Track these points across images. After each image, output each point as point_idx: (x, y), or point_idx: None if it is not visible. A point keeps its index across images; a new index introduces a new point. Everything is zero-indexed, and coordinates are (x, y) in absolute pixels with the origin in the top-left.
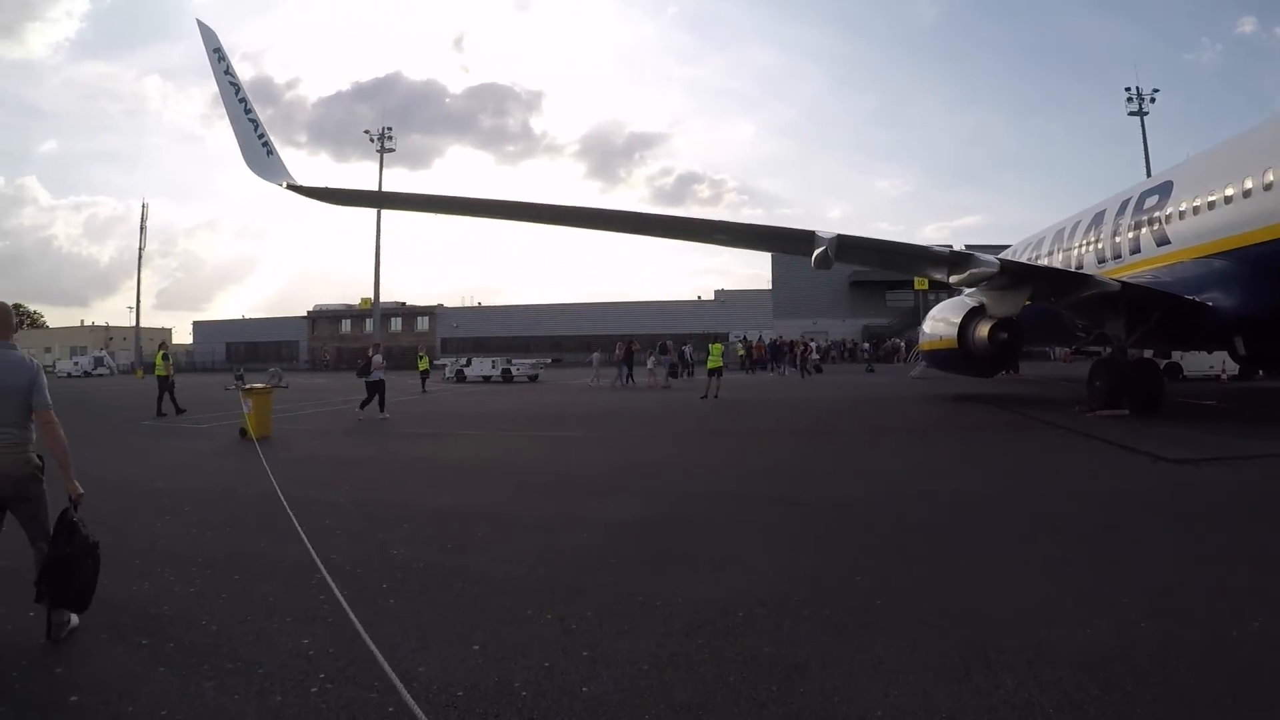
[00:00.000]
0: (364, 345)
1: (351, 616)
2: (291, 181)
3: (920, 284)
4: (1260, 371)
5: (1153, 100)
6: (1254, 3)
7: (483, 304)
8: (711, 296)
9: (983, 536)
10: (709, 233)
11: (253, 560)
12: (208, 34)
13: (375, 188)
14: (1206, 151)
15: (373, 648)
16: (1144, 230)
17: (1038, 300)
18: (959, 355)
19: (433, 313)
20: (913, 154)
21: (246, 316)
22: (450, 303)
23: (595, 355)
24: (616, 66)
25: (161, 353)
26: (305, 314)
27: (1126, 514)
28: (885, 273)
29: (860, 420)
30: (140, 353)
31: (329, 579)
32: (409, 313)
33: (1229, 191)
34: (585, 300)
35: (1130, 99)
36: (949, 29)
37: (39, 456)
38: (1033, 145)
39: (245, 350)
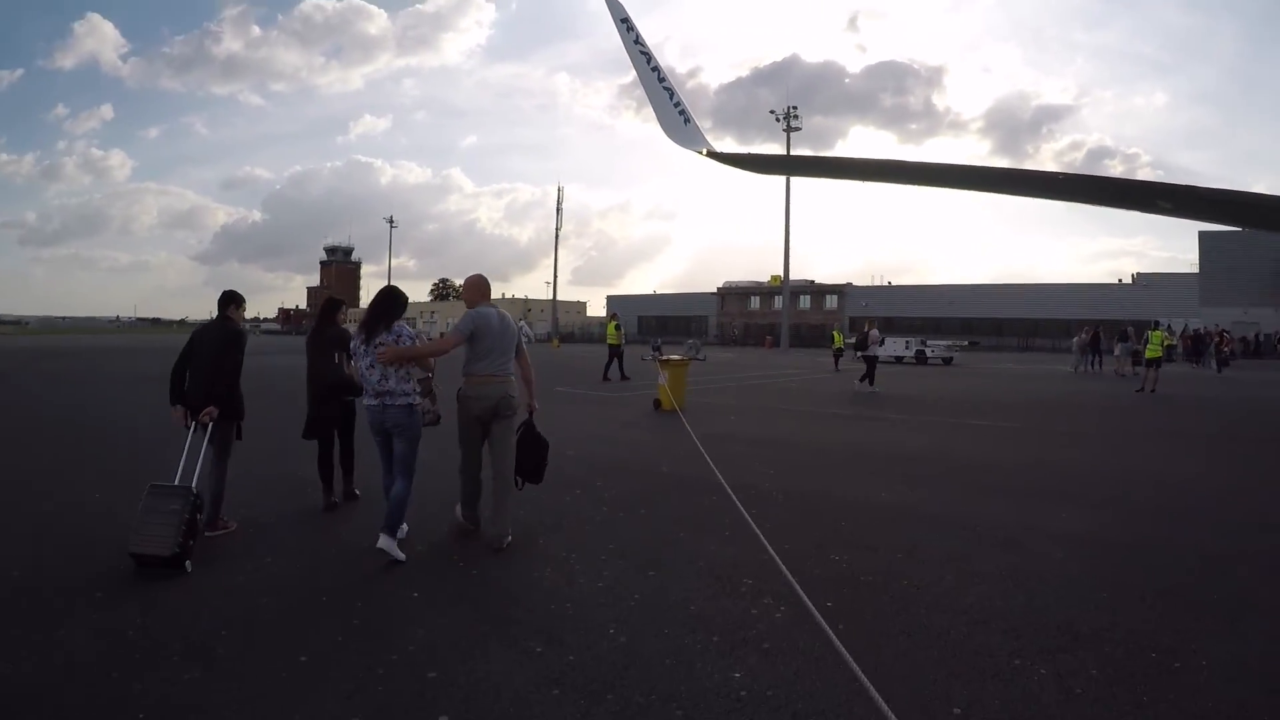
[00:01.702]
0: (772, 321)
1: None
2: (710, 149)
3: None
4: None
5: None
6: None
7: (892, 283)
8: (1126, 279)
9: None
10: (1153, 197)
11: (683, 554)
12: (614, 5)
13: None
14: None
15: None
16: None
17: None
18: None
19: (842, 291)
20: None
21: (657, 292)
22: (858, 281)
23: (1075, 340)
24: (1018, 36)
25: (614, 323)
26: (715, 290)
27: None
28: None
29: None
30: (556, 324)
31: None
32: (818, 290)
33: None
34: (994, 281)
35: None
36: None
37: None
38: None
39: (656, 324)
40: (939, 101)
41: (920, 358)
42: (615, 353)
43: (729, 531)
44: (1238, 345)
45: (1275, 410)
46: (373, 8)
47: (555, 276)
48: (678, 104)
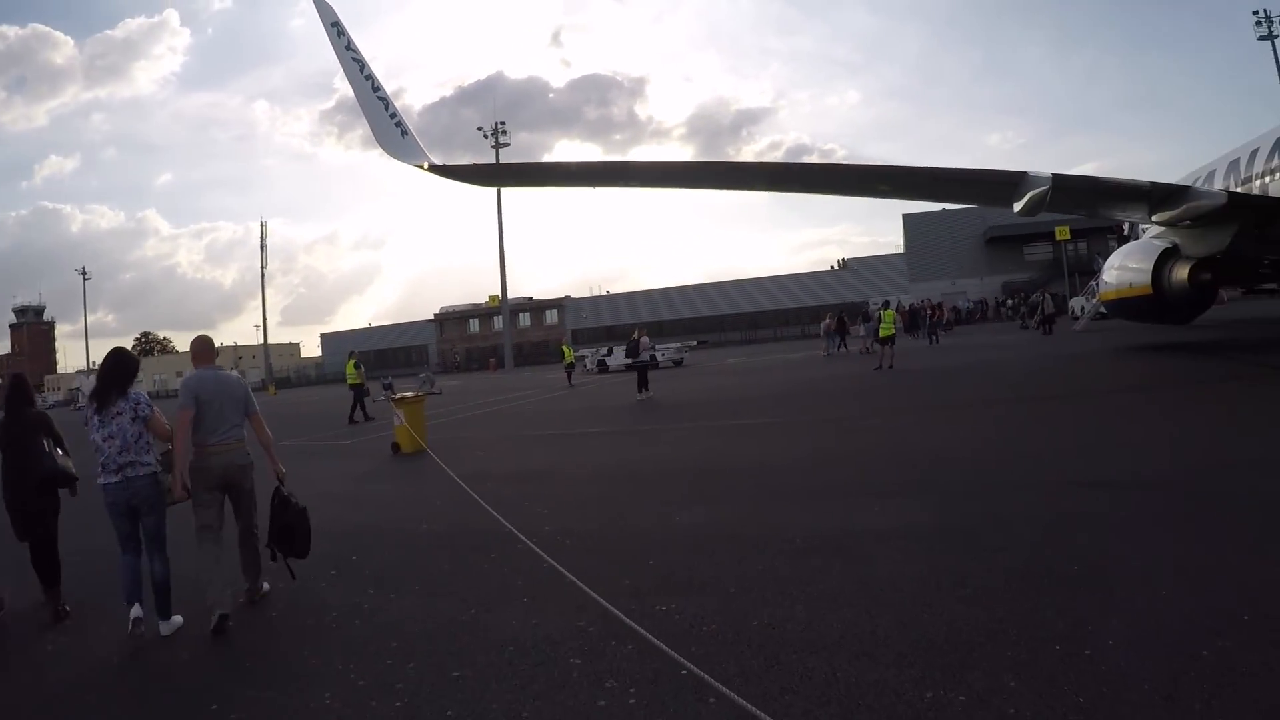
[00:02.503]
0: (494, 343)
1: None
2: (433, 163)
3: (1062, 234)
4: None
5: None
6: None
7: (610, 291)
8: (825, 268)
9: None
10: (874, 181)
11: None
12: (323, 8)
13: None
14: None
15: None
16: None
17: (1245, 234)
18: (1153, 302)
19: (561, 305)
20: (1023, 105)
21: (372, 325)
22: (576, 293)
23: (823, 325)
24: (718, 45)
25: (352, 361)
26: (432, 317)
27: None
28: (1022, 227)
29: (1067, 383)
30: (270, 370)
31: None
32: (537, 307)
33: None
34: (710, 280)
35: (1259, 22)
36: None
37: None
38: (1150, 83)
39: (375, 358)
40: (641, 111)
41: (651, 362)
42: (359, 393)
43: (527, 597)
44: (950, 314)
45: (1001, 370)
46: (59, 34)
47: (264, 318)
48: (394, 115)
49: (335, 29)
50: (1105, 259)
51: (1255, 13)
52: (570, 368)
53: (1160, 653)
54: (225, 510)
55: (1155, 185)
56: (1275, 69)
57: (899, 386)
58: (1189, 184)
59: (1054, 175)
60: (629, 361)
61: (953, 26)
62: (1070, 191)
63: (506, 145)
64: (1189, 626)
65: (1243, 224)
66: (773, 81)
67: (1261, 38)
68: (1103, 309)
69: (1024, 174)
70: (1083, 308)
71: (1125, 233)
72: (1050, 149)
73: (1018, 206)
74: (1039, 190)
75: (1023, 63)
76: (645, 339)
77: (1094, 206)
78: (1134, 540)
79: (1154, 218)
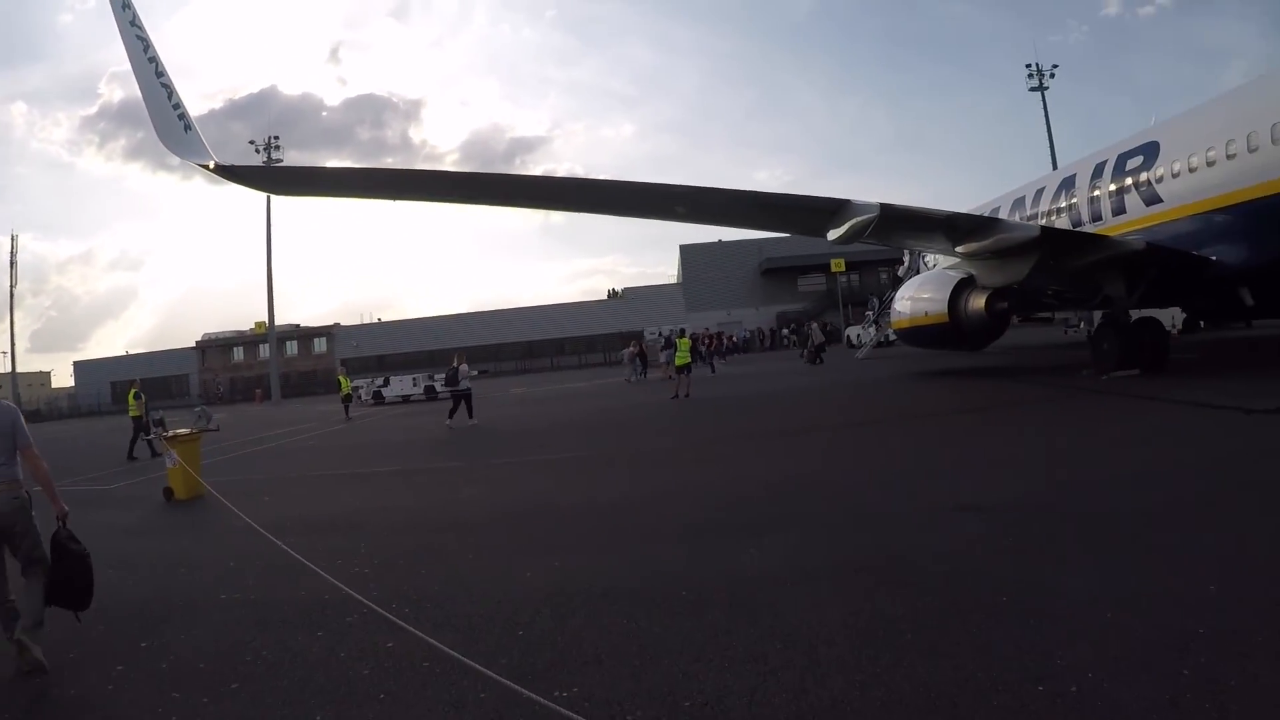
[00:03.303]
0: (260, 373)
1: None
2: (219, 162)
3: (837, 266)
4: (1202, 323)
5: (1052, 75)
6: None
7: (381, 319)
8: (597, 297)
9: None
10: (677, 203)
11: None
12: None
13: (265, 201)
14: (1191, 112)
15: None
16: (1130, 191)
17: (1042, 266)
18: (949, 330)
19: (330, 333)
20: (793, 145)
21: (129, 352)
22: (345, 320)
23: (626, 353)
24: (497, 71)
25: (134, 391)
26: (194, 344)
27: None
28: (798, 259)
29: (888, 408)
30: (19, 399)
31: None
32: (305, 334)
33: (1230, 149)
34: (482, 309)
35: (1031, 75)
36: (824, 19)
37: (27, 492)
38: (914, 129)
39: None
40: (416, 134)
41: (430, 393)
42: (138, 426)
43: (384, 693)
44: (728, 343)
45: (807, 398)
46: None
47: (13, 344)
48: (177, 107)
49: (120, 1)
50: (886, 291)
51: (1028, 65)
52: (348, 399)
53: (1145, 677)
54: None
55: (973, 217)
56: (1045, 118)
57: (705, 416)
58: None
59: (882, 205)
60: (449, 389)
61: (731, 63)
62: (894, 221)
63: (279, 161)
64: (1156, 647)
65: (1043, 256)
66: (550, 111)
67: (1033, 89)
68: (888, 336)
69: (846, 202)
70: (858, 336)
71: (906, 265)
72: (812, 186)
73: (836, 234)
74: (863, 218)
75: (795, 103)
76: (465, 366)
77: (907, 237)
78: (1043, 565)
79: (959, 249)
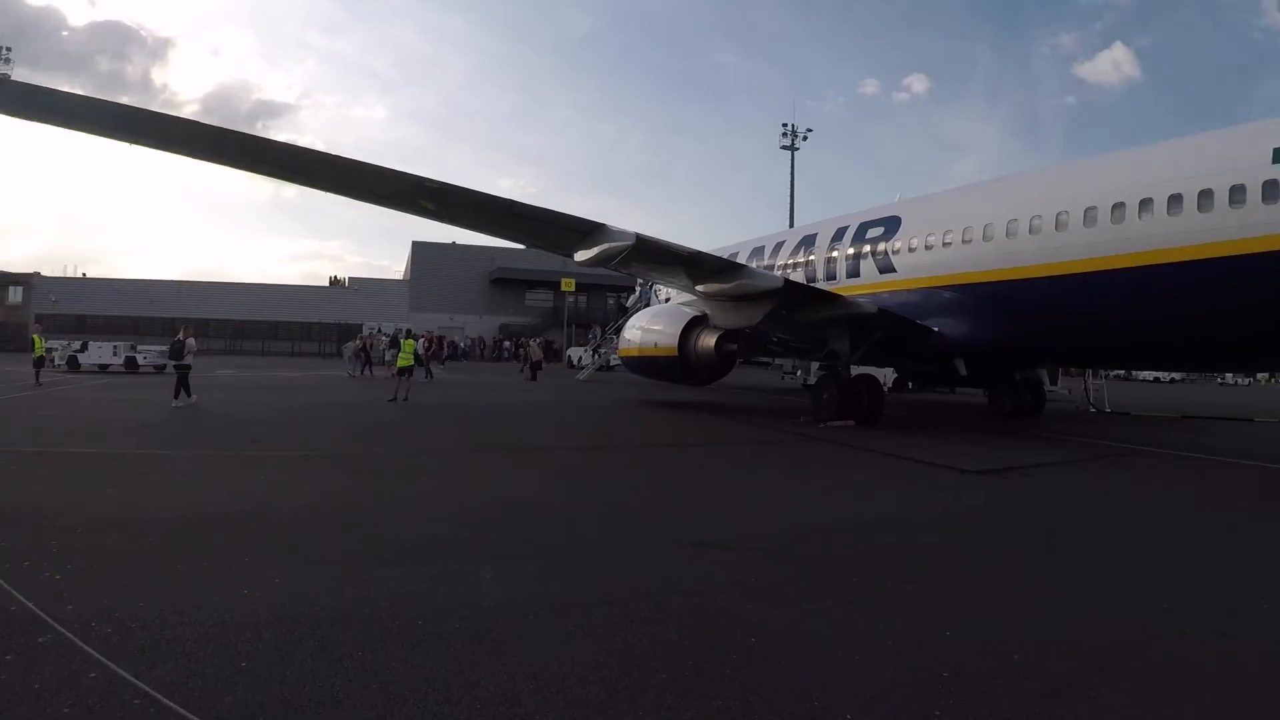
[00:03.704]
0: None
1: None
2: None
3: (567, 285)
4: (910, 384)
5: (805, 138)
6: (877, 68)
7: (87, 274)
8: (320, 283)
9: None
10: (416, 196)
11: None
12: None
13: None
14: (932, 196)
15: None
16: (867, 257)
17: (776, 313)
18: (677, 364)
19: (28, 281)
20: (545, 157)
21: None
22: (48, 270)
23: (349, 346)
24: (256, 25)
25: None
26: None
27: (1028, 529)
28: (528, 271)
29: (619, 434)
30: None
31: None
32: None
33: (965, 235)
34: (197, 278)
35: (785, 134)
36: (599, 41)
37: None
38: (663, 163)
39: None
40: (159, 76)
41: (131, 365)
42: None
43: None
44: (448, 349)
45: (531, 414)
46: None
47: None
48: None
49: None
50: (612, 315)
51: (785, 124)
52: (40, 362)
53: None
54: None
55: (720, 260)
56: (790, 176)
57: (429, 423)
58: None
59: (638, 236)
60: (172, 362)
61: (498, 65)
62: (644, 252)
63: (6, 76)
64: (907, 688)
65: (778, 305)
66: (304, 78)
67: (785, 147)
68: (609, 361)
69: (602, 226)
70: (580, 358)
71: (636, 295)
72: (555, 201)
73: (585, 256)
74: (617, 245)
75: (553, 118)
76: (191, 340)
77: (651, 269)
78: (789, 606)
79: (699, 288)
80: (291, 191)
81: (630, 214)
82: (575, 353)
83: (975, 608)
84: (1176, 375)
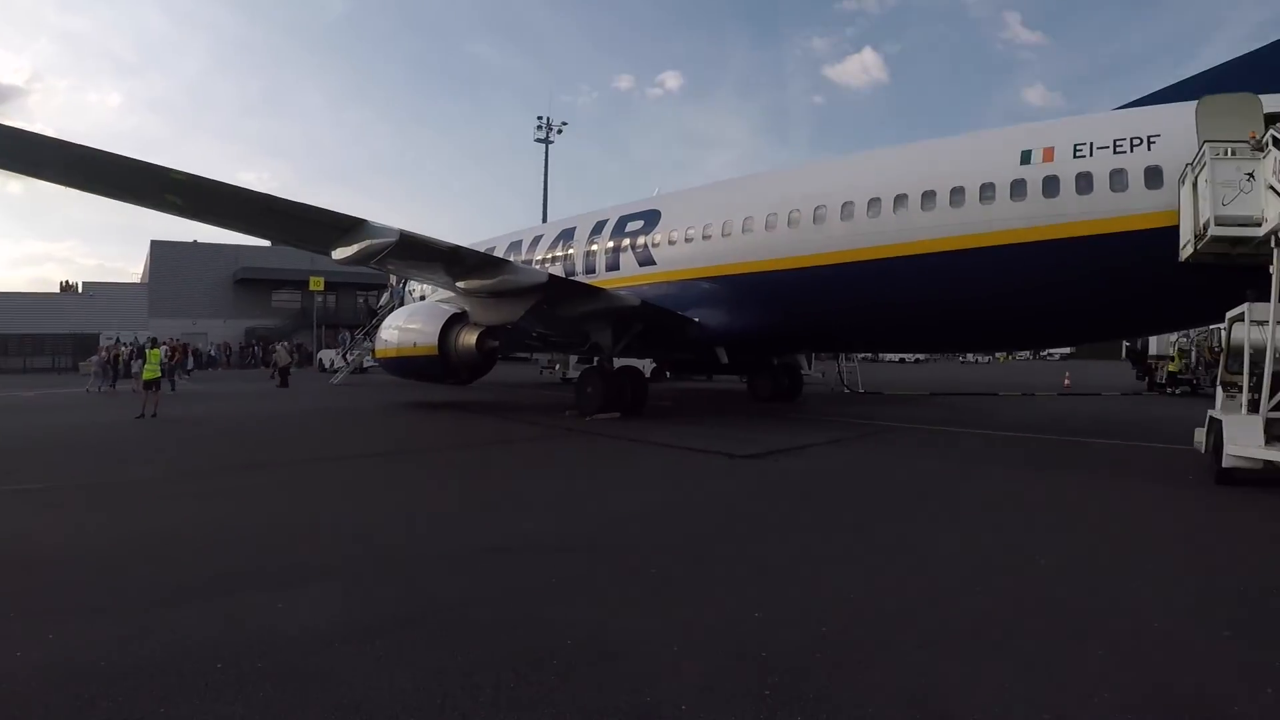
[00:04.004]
0: None
1: None
2: None
3: (316, 284)
4: (668, 373)
5: (560, 131)
6: (632, 63)
7: None
8: (50, 289)
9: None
10: (162, 190)
11: None
12: None
13: None
14: (690, 190)
15: None
16: (626, 250)
17: (538, 309)
18: (438, 363)
19: None
20: (290, 149)
21: None
22: None
23: (94, 360)
24: None
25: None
26: None
27: (812, 505)
28: (273, 271)
29: (390, 440)
30: None
31: None
32: None
33: (724, 229)
34: None
35: (540, 126)
36: (352, 27)
37: None
38: (414, 156)
39: None
40: None
41: None
42: None
43: None
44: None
45: (279, 424)
46: None
47: None
48: None
49: None
50: (363, 315)
51: (540, 117)
52: None
53: (738, 702)
54: None
55: (484, 256)
56: (545, 169)
57: (189, 441)
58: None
59: (401, 232)
60: None
61: (243, 51)
62: (409, 249)
63: None
64: (733, 673)
65: (541, 301)
66: (34, 59)
67: (539, 140)
68: (367, 364)
69: (363, 222)
70: (333, 360)
71: (390, 293)
72: (300, 194)
73: (344, 254)
74: (380, 242)
75: (298, 106)
76: None
77: (412, 267)
78: (595, 605)
79: (460, 284)
80: (18, 186)
81: (376, 209)
82: (328, 355)
83: (776, 586)
84: (921, 356)
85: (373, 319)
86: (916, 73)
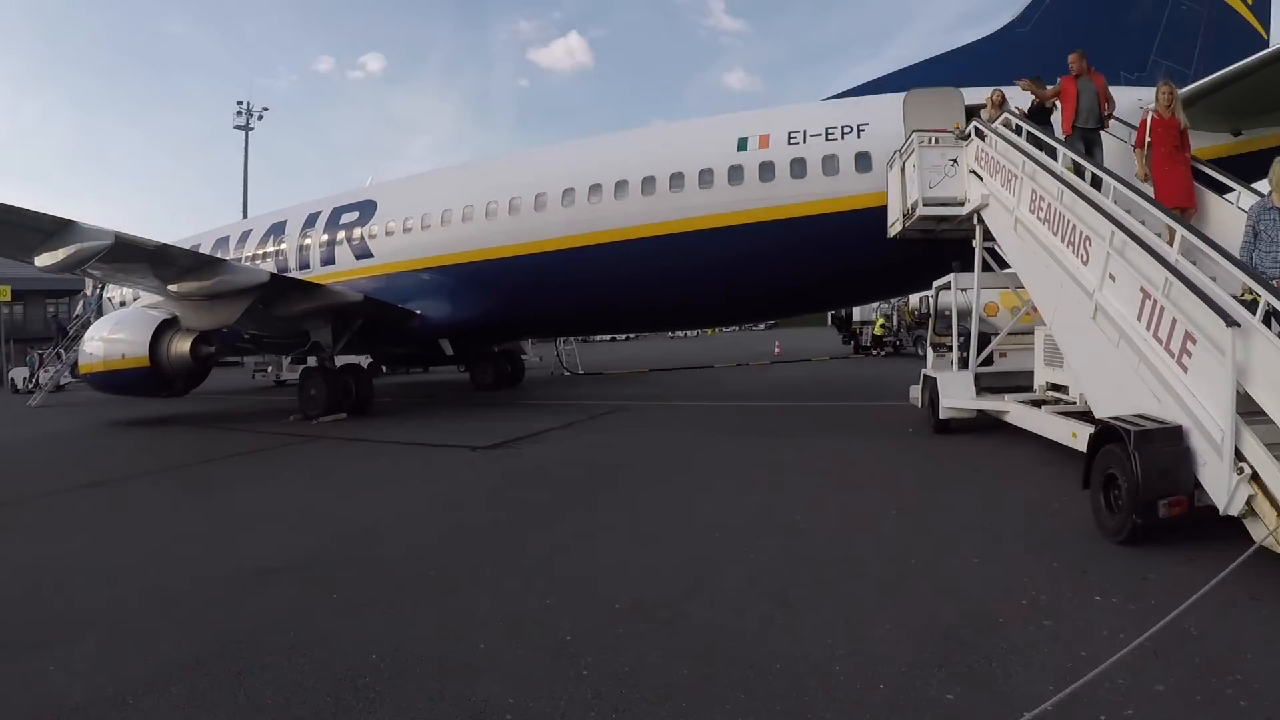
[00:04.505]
0: None
1: None
2: None
3: (2, 294)
4: (384, 368)
5: (260, 117)
6: (332, 44)
7: None
8: None
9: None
10: None
11: None
12: None
13: None
14: (408, 179)
15: None
16: (343, 243)
17: (253, 310)
18: (150, 374)
19: None
20: None
21: None
22: None
23: None
24: None
25: None
26: None
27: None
28: None
29: (111, 468)
30: None
31: None
32: None
33: (444, 218)
34: None
35: (240, 112)
36: (32, 3)
37: None
38: (98, 146)
39: None
40: None
41: None
42: None
43: None
44: None
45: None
46: None
47: None
48: None
49: None
50: (58, 332)
51: (240, 102)
52: None
53: (552, 687)
54: None
55: (200, 256)
56: (245, 158)
57: None
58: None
59: (117, 234)
60: None
61: None
62: (124, 253)
63: None
64: (544, 655)
65: (257, 301)
66: None
67: (239, 127)
68: (64, 381)
69: (71, 223)
70: (25, 380)
71: (86, 300)
72: None
73: (49, 260)
74: (93, 245)
75: None
76: None
77: (121, 271)
78: (382, 617)
79: (173, 287)
80: None
81: (61, 205)
82: (19, 374)
83: (563, 570)
84: (631, 335)
85: (64, 334)
86: (621, 57)
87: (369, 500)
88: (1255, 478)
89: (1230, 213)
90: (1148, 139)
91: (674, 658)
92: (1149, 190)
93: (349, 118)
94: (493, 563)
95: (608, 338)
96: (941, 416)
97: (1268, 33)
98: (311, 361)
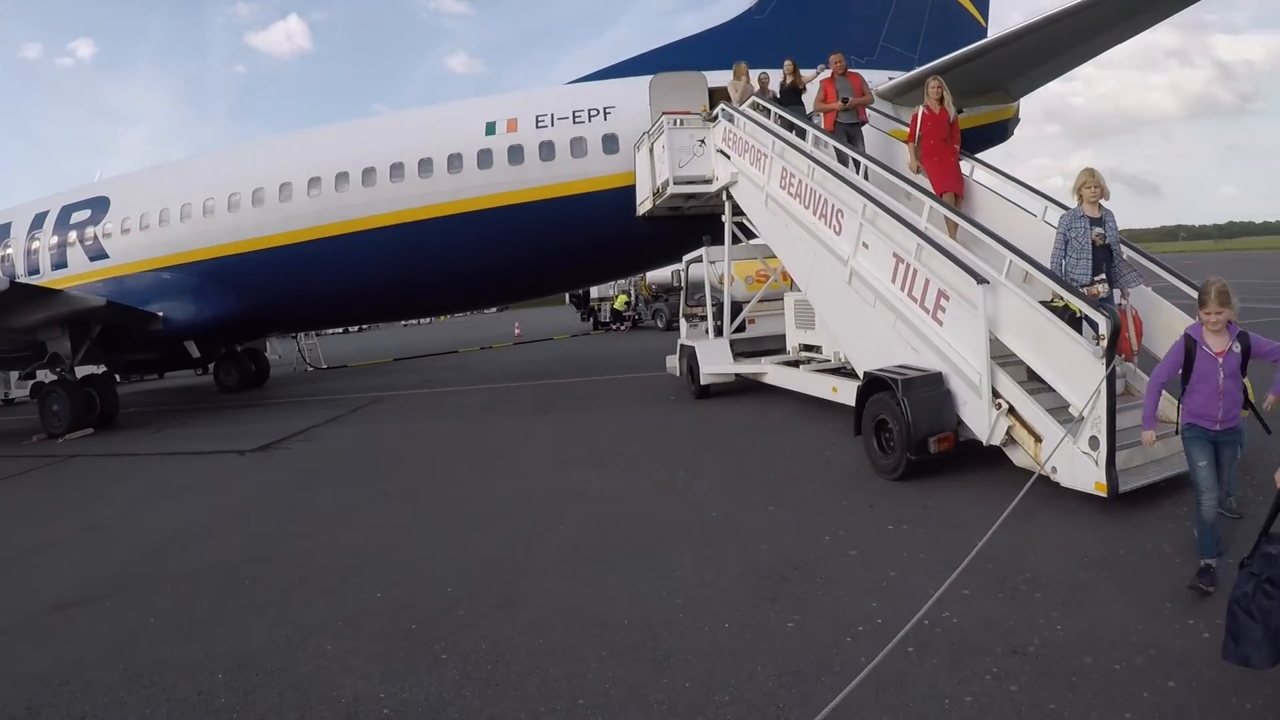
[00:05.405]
0: None
1: None
2: None
3: None
4: (117, 377)
5: None
6: (37, 29)
7: None
8: None
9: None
10: None
11: None
12: None
13: None
14: (144, 172)
15: None
16: (75, 245)
17: None
18: None
19: None
20: None
21: None
22: None
23: None
24: None
25: None
26: None
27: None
28: None
29: None
30: None
31: None
32: None
33: (183, 212)
34: None
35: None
36: None
37: None
38: None
39: None
40: None
41: None
42: None
43: None
44: None
45: None
46: None
47: None
48: None
49: None
50: None
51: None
52: None
53: (416, 684)
54: None
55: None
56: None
57: None
58: None
59: None
60: None
61: None
62: None
63: None
64: (400, 647)
65: None
66: None
67: None
68: None
69: None
70: None
71: None
72: None
73: None
74: None
75: None
76: None
77: None
78: (219, 638)
79: None
80: None
81: None
82: None
83: (388, 565)
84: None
85: None
86: (343, 40)
87: (153, 517)
88: (1012, 411)
89: (991, 198)
90: (919, 133)
91: (525, 630)
92: (923, 182)
93: (60, 108)
94: (306, 565)
95: (340, 330)
96: (703, 382)
97: (986, 21)
98: (43, 376)
